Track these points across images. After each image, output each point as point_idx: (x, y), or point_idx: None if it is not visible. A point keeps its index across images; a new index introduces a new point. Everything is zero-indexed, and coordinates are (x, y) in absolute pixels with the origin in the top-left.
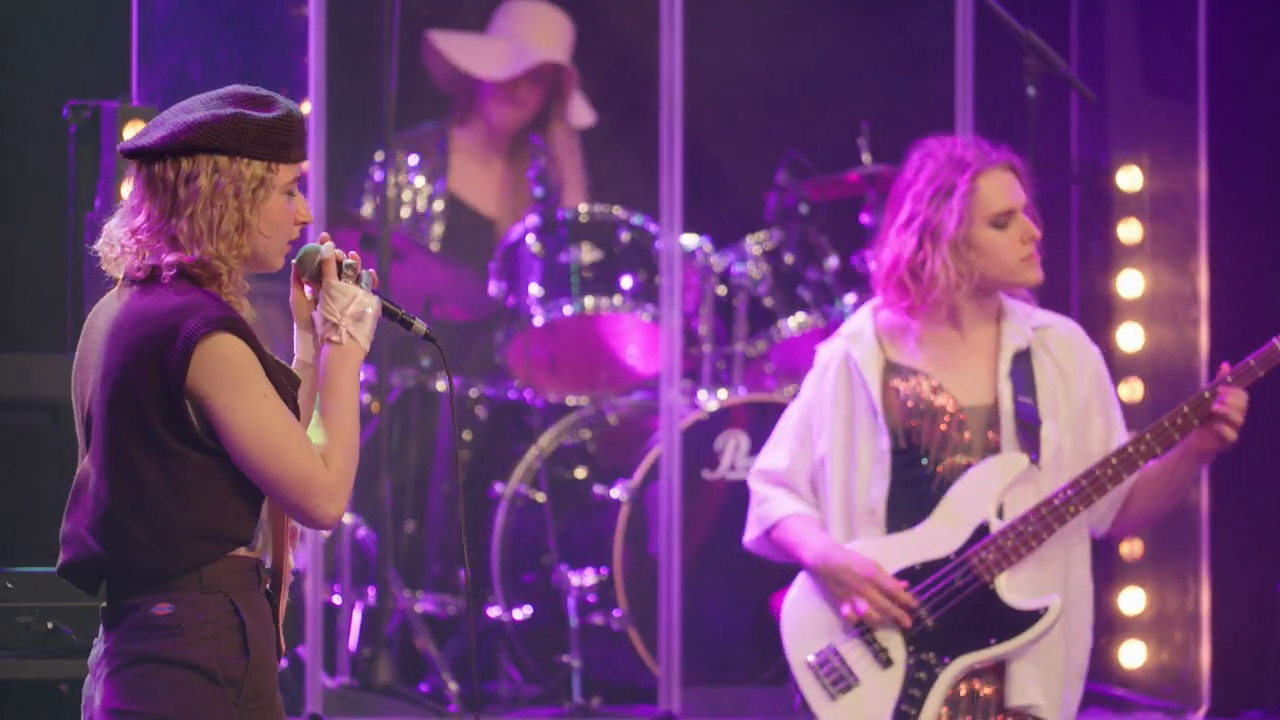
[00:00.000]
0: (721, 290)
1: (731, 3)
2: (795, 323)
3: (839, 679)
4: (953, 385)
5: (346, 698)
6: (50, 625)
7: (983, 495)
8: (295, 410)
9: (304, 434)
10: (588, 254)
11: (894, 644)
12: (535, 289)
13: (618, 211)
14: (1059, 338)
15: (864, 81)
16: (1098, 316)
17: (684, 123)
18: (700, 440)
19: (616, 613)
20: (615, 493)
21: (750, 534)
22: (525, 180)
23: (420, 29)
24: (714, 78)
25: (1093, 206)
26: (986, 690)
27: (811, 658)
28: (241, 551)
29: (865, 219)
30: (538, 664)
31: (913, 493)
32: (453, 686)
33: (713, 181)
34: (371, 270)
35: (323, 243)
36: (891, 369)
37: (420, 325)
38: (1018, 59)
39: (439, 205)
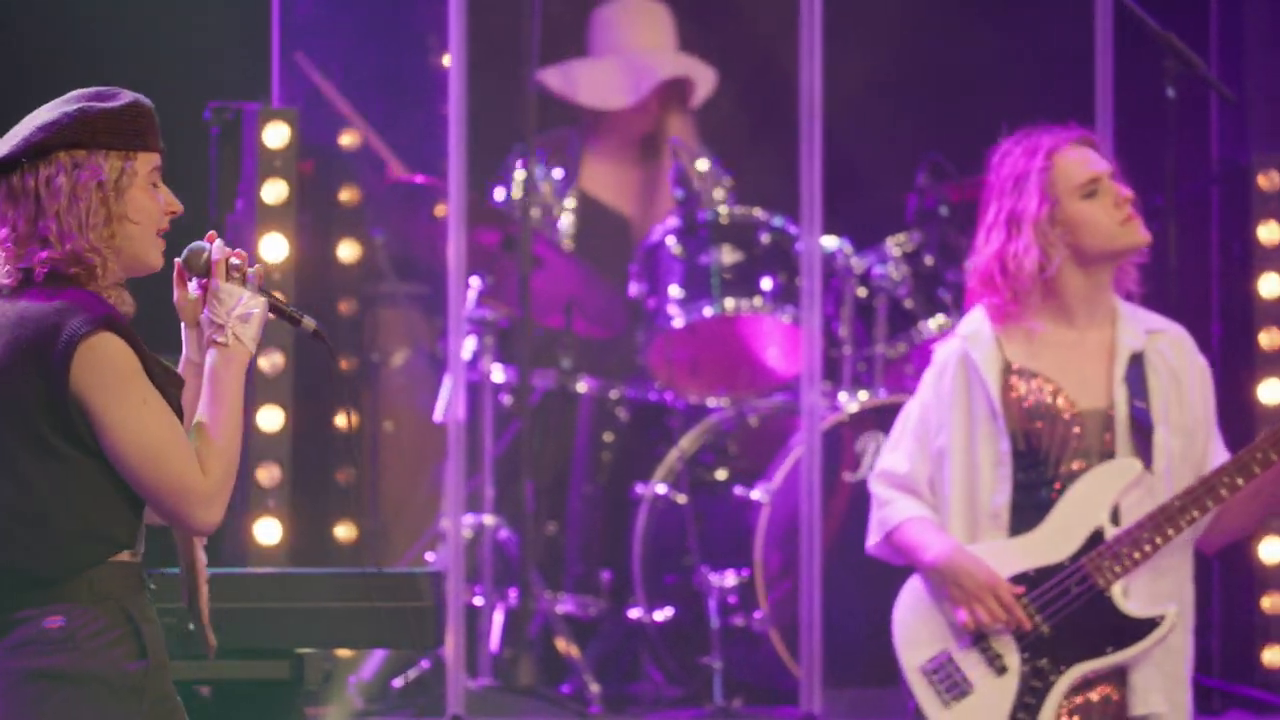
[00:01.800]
0: (862, 292)
1: (871, 4)
2: (935, 324)
3: (953, 686)
4: (1070, 387)
5: (488, 699)
6: (191, 626)
7: (1097, 501)
8: (178, 412)
9: (183, 440)
10: (728, 256)
11: (1009, 651)
12: (675, 290)
13: (758, 213)
14: (1171, 342)
15: (1003, 83)
16: (1238, 318)
17: (824, 124)
18: (840, 442)
19: (757, 614)
20: (756, 494)
21: (872, 538)
22: (660, 178)
23: (559, 31)
24: (854, 79)
25: (1233, 208)
26: (1110, 698)
27: (926, 663)
28: (125, 557)
29: None
30: (679, 665)
31: (1033, 496)
32: (594, 688)
33: (853, 183)
34: (258, 267)
35: (210, 241)
36: (1010, 370)
37: (309, 322)
38: (1157, 60)
39: (570, 204)
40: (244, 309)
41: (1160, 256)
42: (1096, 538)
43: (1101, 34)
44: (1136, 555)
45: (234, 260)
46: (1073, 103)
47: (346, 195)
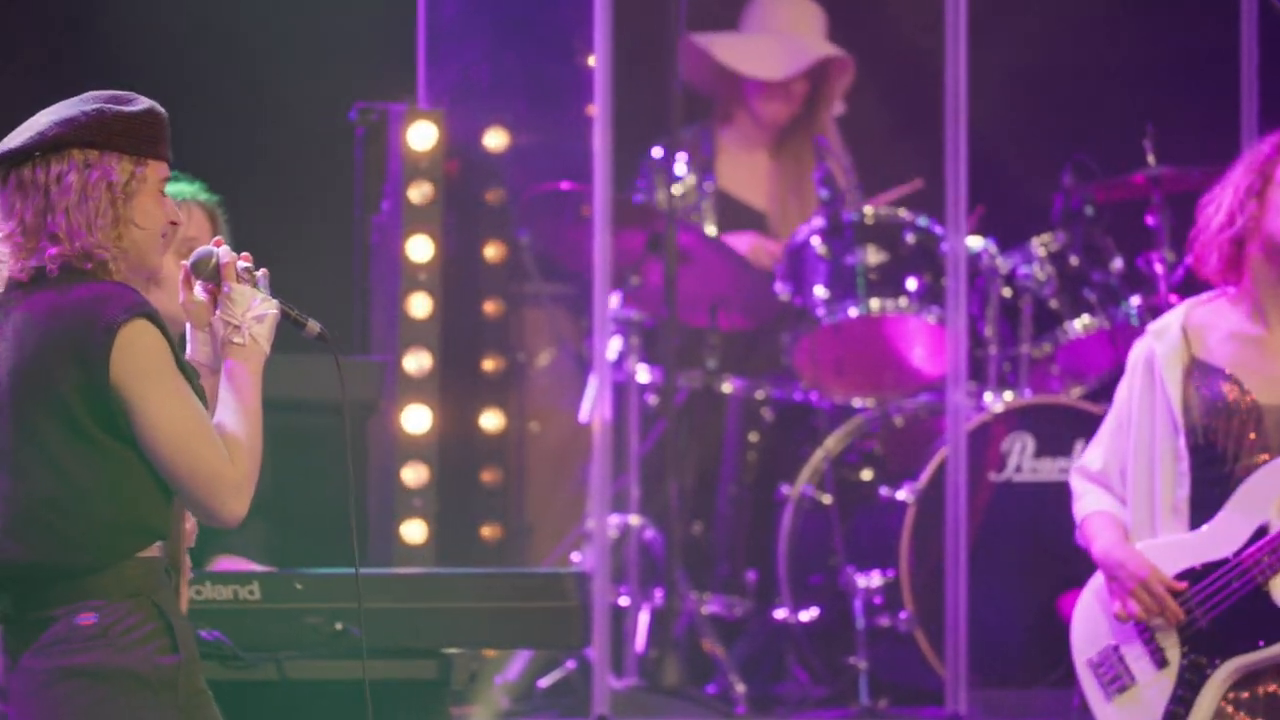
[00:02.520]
0: (1007, 292)
1: (1016, 3)
2: (1081, 324)
3: (1116, 678)
4: (1255, 384)
5: (634, 699)
6: (338, 626)
7: (1265, 496)
8: (205, 404)
9: (213, 431)
10: (873, 256)
11: (1170, 644)
12: (821, 291)
13: (903, 213)
14: None
15: (1149, 83)
16: None
17: (969, 124)
18: (985, 442)
19: (903, 614)
20: (901, 494)
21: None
22: (798, 171)
23: (698, 25)
24: (998, 79)
25: None
26: (1278, 695)
27: (1093, 656)
28: (155, 551)
29: (1150, 221)
30: (824, 666)
31: (1214, 492)
32: (740, 688)
33: (998, 183)
34: (265, 270)
35: (217, 245)
36: (1195, 366)
37: (314, 325)
38: None
39: (708, 203)
40: (259, 310)
41: None
42: (1261, 533)
43: (1247, 32)
44: None
45: (242, 263)
46: (1218, 102)
47: (492, 196)
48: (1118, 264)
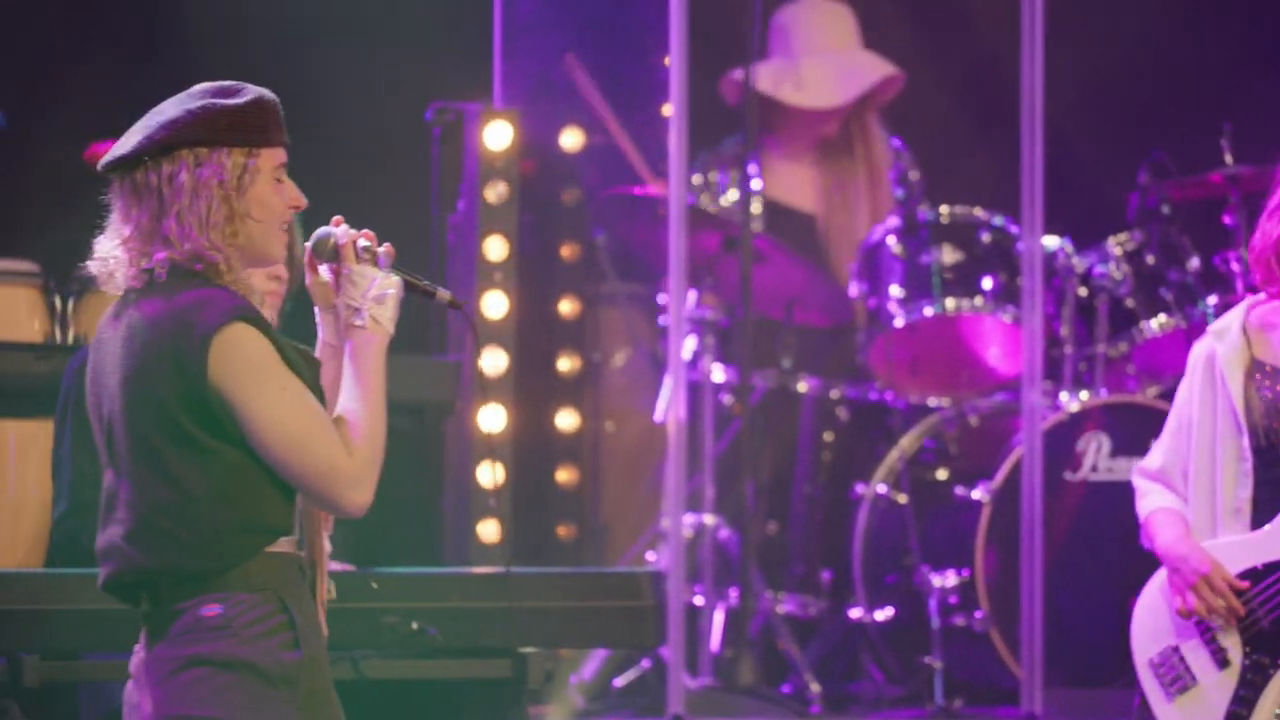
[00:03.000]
0: (1083, 291)
1: (1092, 3)
2: (1157, 324)
3: (1177, 678)
4: None
5: (709, 698)
6: (415, 625)
7: None
8: (318, 394)
9: (327, 423)
10: (949, 255)
11: (1233, 644)
12: (896, 290)
13: (978, 213)
14: None
15: (1226, 82)
16: None
17: (1044, 123)
18: (1061, 441)
19: (978, 614)
20: (976, 494)
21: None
22: (848, 173)
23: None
24: (1075, 79)
25: None
26: None
27: (1154, 656)
28: (285, 548)
29: (1227, 220)
30: (899, 665)
31: (1274, 494)
32: (815, 687)
33: (1074, 182)
34: (387, 246)
35: (336, 225)
36: (1256, 366)
37: (445, 294)
38: None
39: (756, 210)
40: (378, 290)
41: None
42: None
43: None
44: None
45: (362, 242)
46: None
47: (568, 196)
48: (1194, 263)
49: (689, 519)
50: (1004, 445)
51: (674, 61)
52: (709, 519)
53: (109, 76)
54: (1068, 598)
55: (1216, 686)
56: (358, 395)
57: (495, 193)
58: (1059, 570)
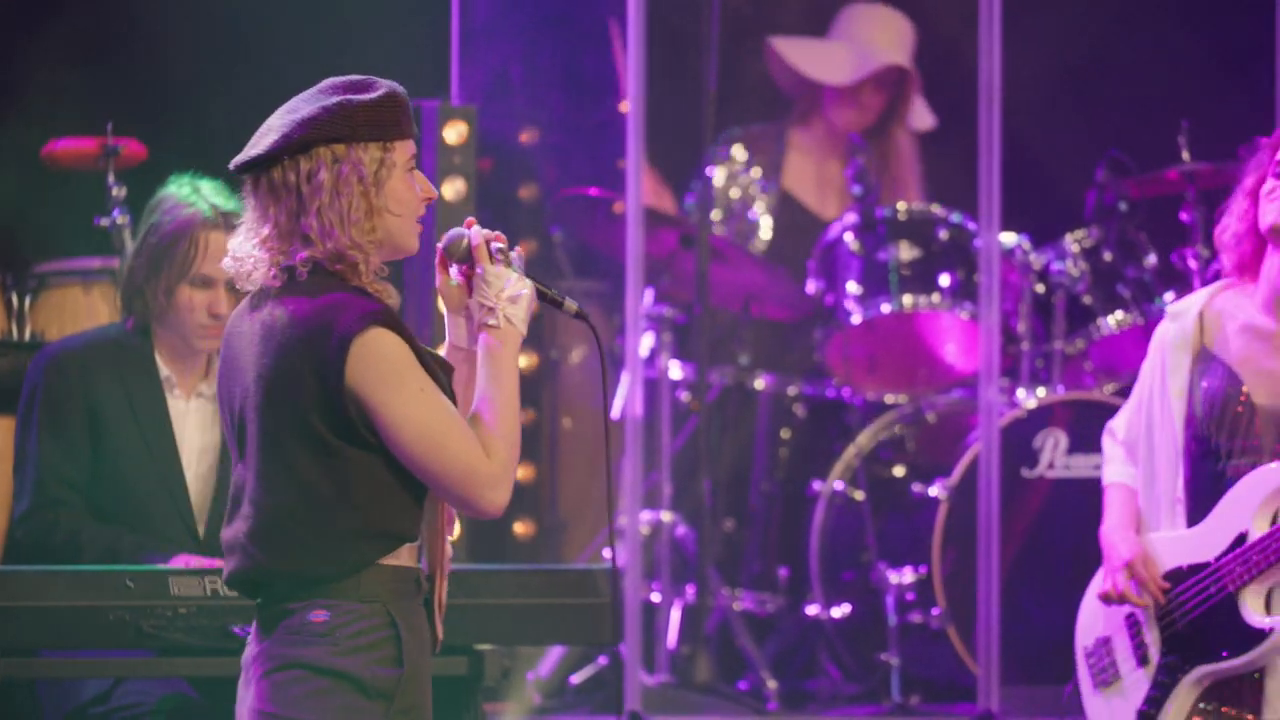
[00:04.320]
0: (1040, 288)
1: (1050, 1)
2: (1114, 320)
3: (1104, 670)
4: (1254, 382)
5: (666, 695)
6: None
7: (1248, 503)
8: (452, 398)
9: (464, 425)
10: (906, 252)
11: (1153, 643)
12: (853, 287)
13: (936, 209)
14: None
15: (1183, 79)
16: None
17: (1002, 120)
18: (1019, 438)
19: (935, 611)
20: (934, 491)
21: None
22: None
23: (742, 29)
24: (1033, 75)
25: None
26: (1245, 701)
27: (1089, 645)
28: (404, 560)
29: (1185, 217)
30: (856, 662)
31: (1207, 487)
32: (771, 684)
33: (1031, 179)
34: (519, 249)
35: (468, 227)
36: (1203, 354)
37: (571, 305)
38: None
39: (769, 202)
40: (512, 290)
41: None
42: (1240, 541)
43: None
44: (1261, 563)
45: (496, 244)
46: (1253, 97)
47: (526, 193)
48: (1151, 260)
49: (646, 516)
50: (961, 442)
51: (631, 60)
52: (666, 516)
53: (64, 76)
54: (1025, 595)
55: (1135, 682)
56: (493, 395)
57: (453, 190)
58: (1016, 567)
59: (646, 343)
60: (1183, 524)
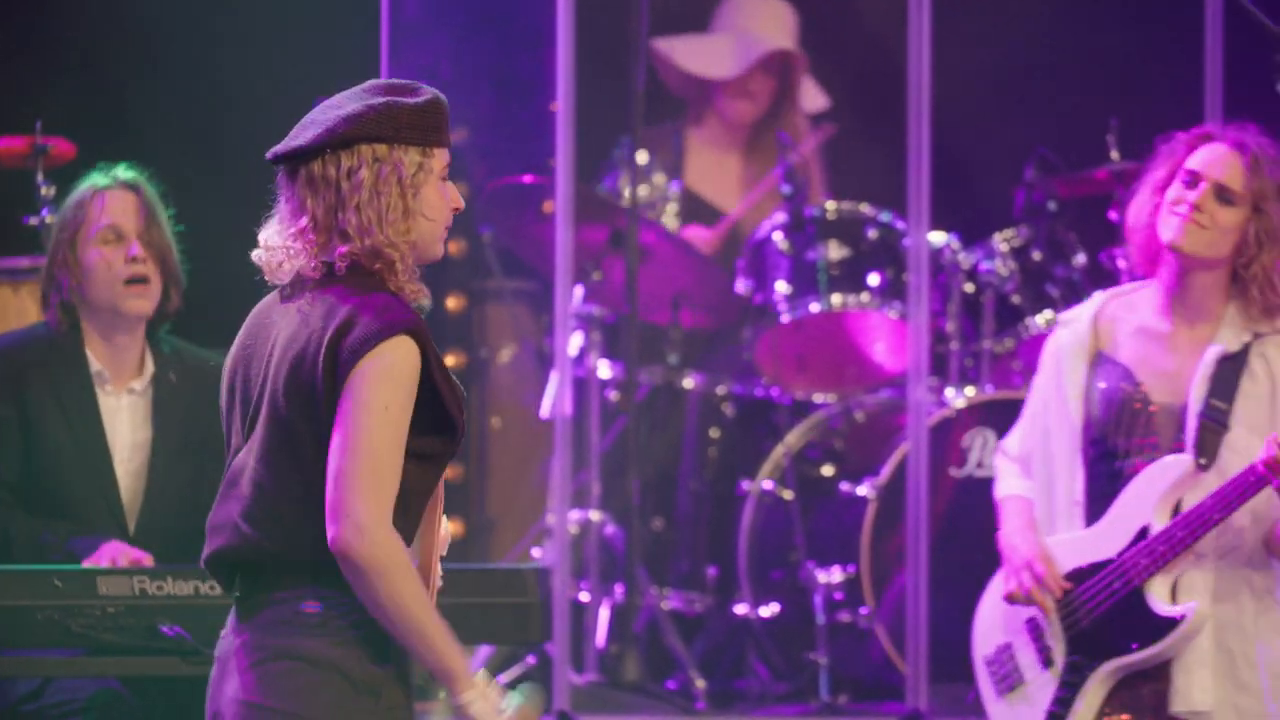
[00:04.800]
0: (969, 287)
1: (980, 0)
2: (1043, 320)
3: (1006, 676)
4: (1150, 381)
5: (594, 694)
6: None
7: (1147, 497)
8: (456, 417)
9: (392, 466)
10: (835, 251)
11: (1057, 645)
12: (783, 286)
13: (865, 209)
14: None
15: (1112, 78)
16: None
17: (932, 120)
18: (947, 437)
19: (864, 610)
20: (862, 490)
21: None
22: (767, 174)
23: (668, 28)
24: (962, 75)
25: None
26: (1153, 690)
27: (989, 653)
28: None
29: (1114, 216)
30: (785, 661)
31: (1106, 487)
32: (700, 683)
33: (961, 179)
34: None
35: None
36: (1098, 359)
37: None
38: (1268, 55)
39: (674, 203)
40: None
41: None
42: (1142, 535)
43: (1211, 29)
44: (1168, 554)
45: None
46: (1182, 97)
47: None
48: (1080, 259)
49: (575, 515)
50: (890, 441)
51: (561, 58)
52: (595, 515)
53: (4, 75)
54: (953, 594)
55: (1041, 686)
56: (422, 616)
57: None
58: (944, 566)
59: (576, 342)
60: (1081, 526)
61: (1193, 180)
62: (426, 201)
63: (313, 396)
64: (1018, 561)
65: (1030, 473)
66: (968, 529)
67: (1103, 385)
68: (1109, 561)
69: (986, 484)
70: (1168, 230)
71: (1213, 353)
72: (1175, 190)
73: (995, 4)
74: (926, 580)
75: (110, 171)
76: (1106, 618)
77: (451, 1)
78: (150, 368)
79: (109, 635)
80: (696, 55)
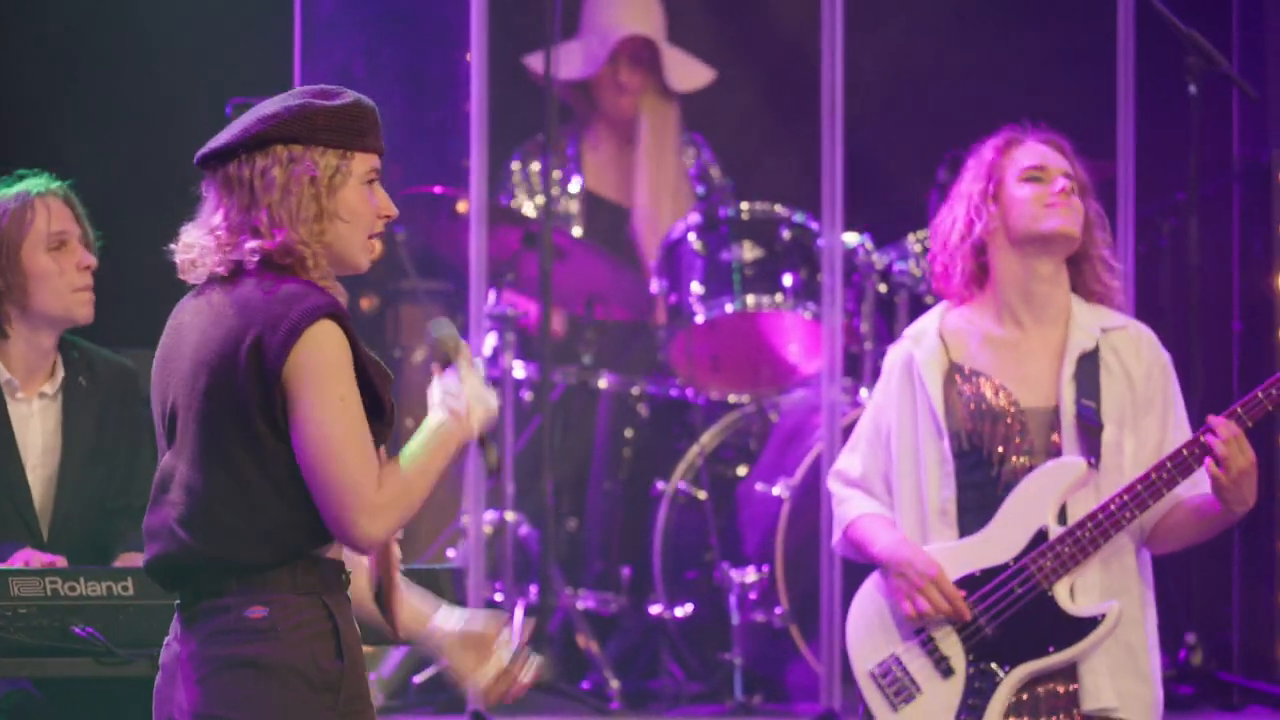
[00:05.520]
0: (883, 288)
1: (891, 2)
2: None
3: (901, 689)
4: (1015, 387)
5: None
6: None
7: (1041, 500)
8: (387, 406)
9: (368, 447)
10: (749, 252)
11: (955, 653)
12: (697, 287)
13: (779, 209)
14: (1128, 339)
15: (1025, 79)
16: (1261, 316)
17: (845, 121)
18: None
19: (778, 610)
20: (777, 490)
21: (835, 536)
22: (659, 165)
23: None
24: (875, 76)
25: (1255, 205)
26: (1057, 691)
27: (874, 667)
28: (334, 553)
29: None
30: (699, 661)
31: (980, 495)
32: (614, 684)
33: (874, 179)
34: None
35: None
36: (955, 370)
37: (493, 455)
38: (1179, 57)
39: (574, 205)
40: (487, 398)
41: (1181, 254)
42: (1040, 537)
43: (1124, 30)
44: (1077, 555)
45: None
46: (1094, 99)
47: None
48: None
49: (489, 516)
50: (804, 442)
51: (475, 59)
52: (509, 516)
53: None
54: None
55: (941, 695)
56: (413, 455)
57: None
58: (857, 567)
59: (490, 342)
60: (954, 535)
61: (1039, 174)
62: (344, 204)
63: (236, 397)
64: (916, 578)
65: (873, 494)
66: None
67: (966, 395)
68: (1005, 567)
69: None
70: (1051, 221)
71: (1074, 352)
72: (1024, 189)
73: (907, 5)
74: (840, 580)
75: (37, 180)
76: (1014, 622)
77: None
78: (61, 371)
79: (21, 636)
80: (561, 63)
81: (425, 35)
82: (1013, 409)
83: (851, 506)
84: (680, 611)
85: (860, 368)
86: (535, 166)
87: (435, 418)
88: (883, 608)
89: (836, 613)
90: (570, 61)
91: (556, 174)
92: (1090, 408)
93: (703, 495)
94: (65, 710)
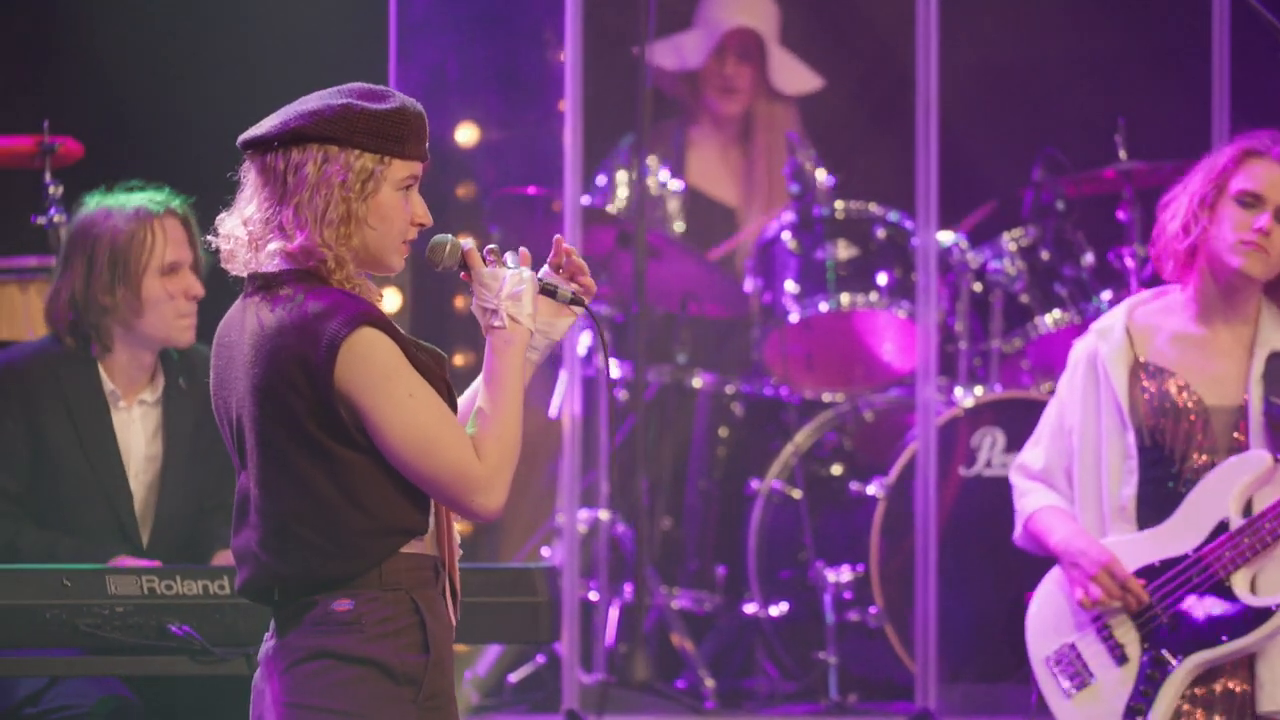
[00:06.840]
0: (978, 287)
1: (987, 1)
2: (1051, 319)
3: (1075, 675)
4: (1200, 385)
5: (603, 694)
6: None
7: (1223, 493)
8: (448, 392)
9: (456, 426)
10: (844, 251)
11: (1130, 641)
12: (791, 286)
13: (874, 208)
14: None
15: (1120, 77)
16: None
17: (940, 119)
18: (956, 437)
19: (873, 609)
20: (871, 489)
21: (1016, 530)
22: (765, 166)
23: (677, 27)
24: (970, 74)
25: None
26: (1234, 691)
27: (1050, 654)
28: (420, 548)
29: (1121, 215)
30: (794, 661)
31: (1161, 491)
32: (709, 683)
33: (969, 178)
34: (523, 250)
35: (460, 239)
36: (1140, 367)
37: (565, 292)
38: (1275, 54)
39: (677, 201)
40: (511, 287)
41: None
42: (1221, 528)
43: (1219, 27)
44: (1257, 546)
45: (490, 245)
46: (1189, 97)
47: (463, 191)
48: (1089, 259)
49: (584, 514)
50: (898, 441)
51: (569, 58)
52: (604, 514)
53: (10, 75)
54: (962, 593)
55: (1115, 683)
56: (491, 397)
57: None
58: (953, 565)
59: (584, 341)
60: (1132, 528)
61: (1253, 202)
62: (375, 210)
63: (294, 418)
64: (1090, 566)
65: (1055, 488)
66: (976, 528)
67: (1152, 393)
68: (1184, 557)
69: (994, 483)
70: (1236, 258)
71: (1264, 351)
72: (1234, 212)
73: (1003, 3)
74: (935, 579)
75: (157, 198)
76: (1190, 611)
77: (458, 1)
78: (161, 378)
79: (117, 635)
80: (668, 53)
81: (519, 34)
82: (1196, 407)
83: (1032, 500)
84: (775, 610)
85: (955, 366)
86: (649, 160)
87: (488, 343)
88: (1061, 599)
89: (931, 612)
90: (678, 52)
91: (660, 174)
92: (1279, 406)
93: (797, 494)
94: (160, 713)
